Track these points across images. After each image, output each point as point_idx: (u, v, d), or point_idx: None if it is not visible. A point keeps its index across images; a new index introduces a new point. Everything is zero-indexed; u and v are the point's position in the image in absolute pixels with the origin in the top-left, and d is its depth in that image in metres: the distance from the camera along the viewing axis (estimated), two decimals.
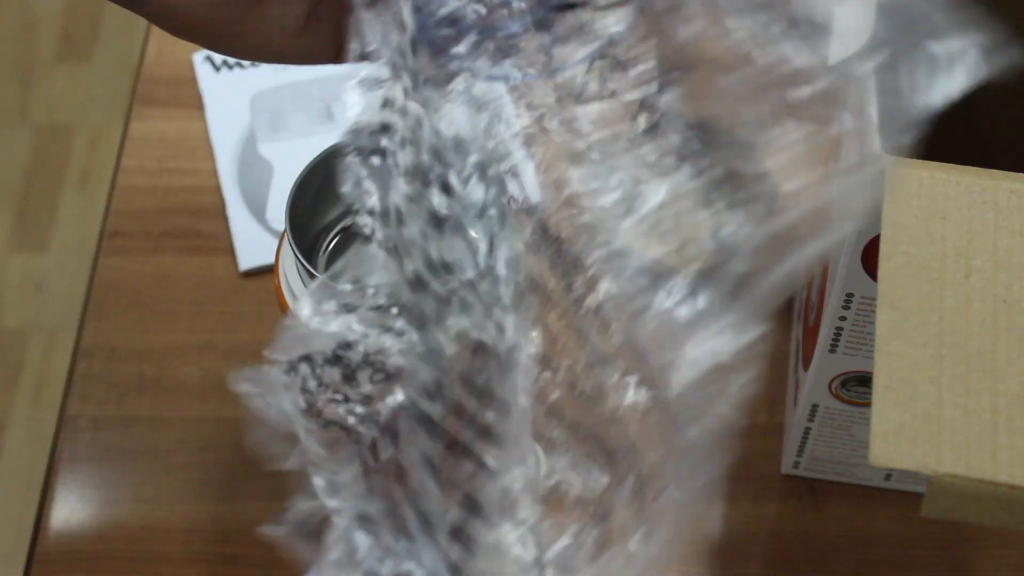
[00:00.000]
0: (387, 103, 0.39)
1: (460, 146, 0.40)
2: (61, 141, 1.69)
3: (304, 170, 0.54)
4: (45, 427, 1.42)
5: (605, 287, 0.41)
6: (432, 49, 0.40)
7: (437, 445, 0.39)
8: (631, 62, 0.41)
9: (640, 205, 0.41)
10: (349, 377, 0.40)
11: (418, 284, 0.39)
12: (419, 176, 0.39)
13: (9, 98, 1.73)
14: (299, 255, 0.51)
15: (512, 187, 0.42)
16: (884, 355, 0.41)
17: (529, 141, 0.45)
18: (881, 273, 0.43)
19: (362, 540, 0.40)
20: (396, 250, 0.39)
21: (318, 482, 0.40)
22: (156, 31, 0.83)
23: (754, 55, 0.40)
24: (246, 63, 0.80)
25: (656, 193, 0.41)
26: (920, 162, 0.46)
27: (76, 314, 0.73)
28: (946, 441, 0.40)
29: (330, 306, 0.40)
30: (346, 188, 0.40)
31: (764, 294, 0.39)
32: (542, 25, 0.40)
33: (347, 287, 0.40)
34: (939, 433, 0.40)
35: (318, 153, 0.54)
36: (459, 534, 0.40)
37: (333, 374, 0.40)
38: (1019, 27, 0.45)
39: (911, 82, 0.40)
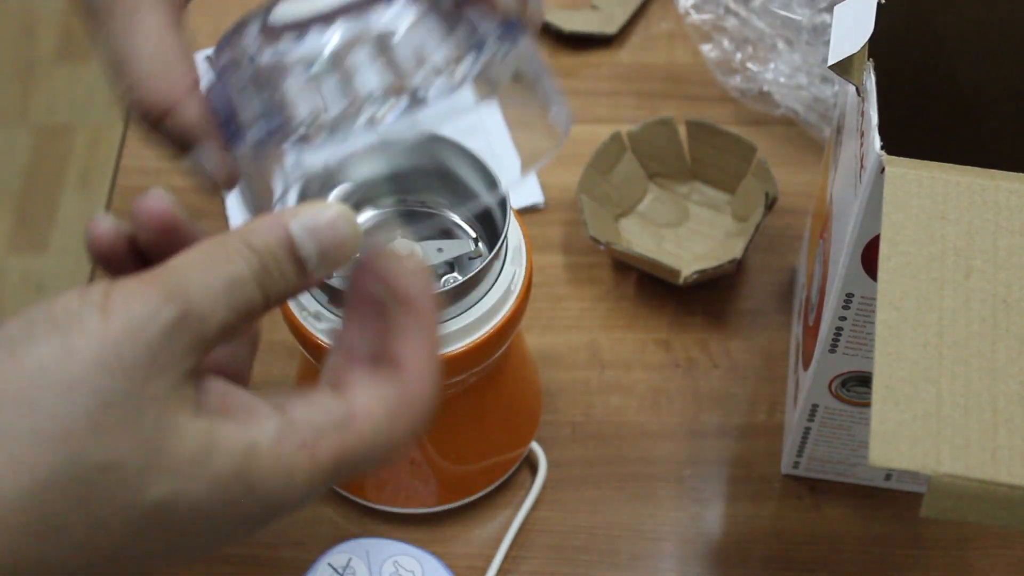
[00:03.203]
0: None
1: None
2: (61, 141, 1.69)
3: None
4: None
5: None
6: None
7: None
8: None
9: None
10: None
11: None
12: None
13: (9, 98, 1.73)
14: None
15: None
16: (884, 355, 0.41)
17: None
18: (881, 273, 0.43)
19: None
20: None
21: None
22: None
23: None
24: None
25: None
26: (920, 162, 0.46)
27: None
28: (946, 441, 0.40)
29: None
30: None
31: None
32: None
33: None
34: (939, 433, 0.40)
35: None
36: None
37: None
38: None
39: None
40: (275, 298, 0.37)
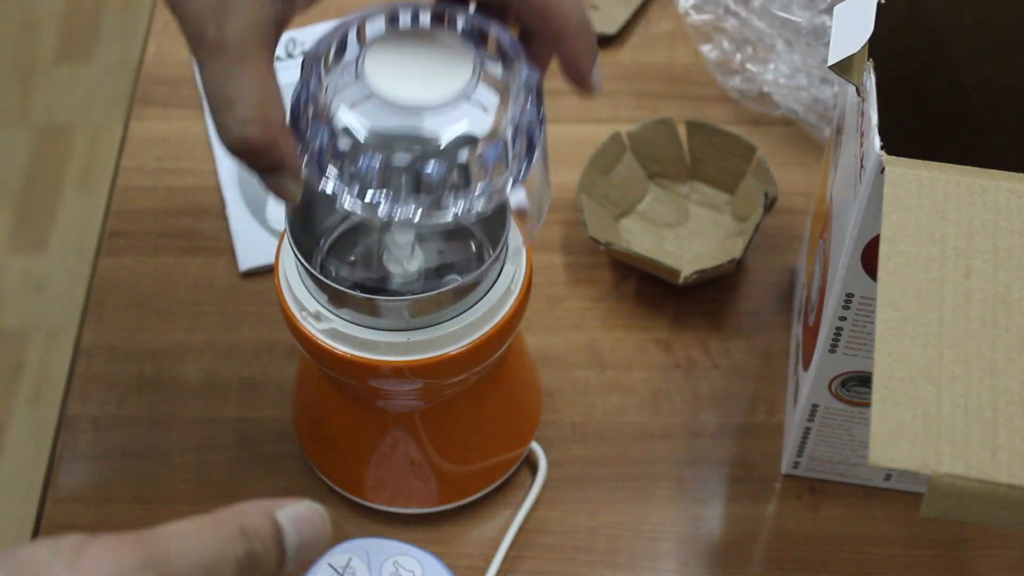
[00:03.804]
0: None
1: None
2: (61, 141, 1.69)
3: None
4: (45, 427, 1.42)
5: None
6: None
7: None
8: None
9: None
10: None
11: None
12: None
13: (9, 98, 1.73)
14: (299, 255, 0.51)
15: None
16: (884, 355, 0.41)
17: None
18: (881, 273, 0.43)
19: None
20: None
21: None
22: (156, 31, 0.83)
23: None
24: None
25: None
26: (920, 162, 0.46)
27: (76, 314, 0.73)
28: (946, 441, 0.40)
29: None
30: None
31: None
32: None
33: None
34: (939, 433, 0.40)
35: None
36: None
37: None
38: None
39: None
40: None
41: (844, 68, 0.51)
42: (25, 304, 1.55)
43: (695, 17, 0.81)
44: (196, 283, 0.72)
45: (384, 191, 0.46)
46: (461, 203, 0.47)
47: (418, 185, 0.46)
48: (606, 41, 0.82)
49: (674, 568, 0.62)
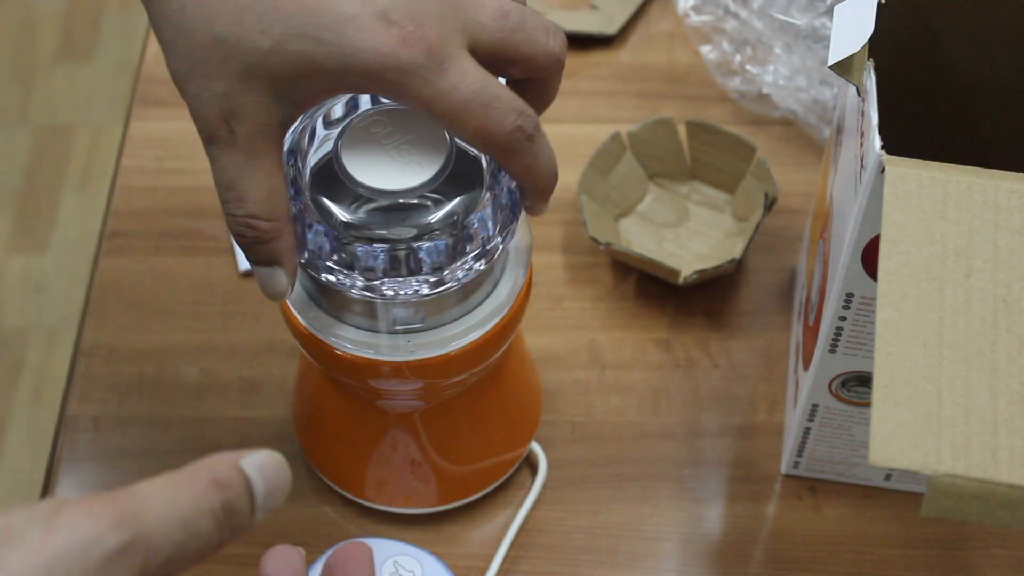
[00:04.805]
0: None
1: None
2: (61, 141, 1.69)
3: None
4: (45, 427, 1.42)
5: None
6: None
7: None
8: None
9: None
10: None
11: None
12: None
13: (9, 98, 1.73)
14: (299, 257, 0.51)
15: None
16: (884, 355, 0.41)
17: None
18: (881, 273, 0.43)
19: None
20: None
21: None
22: None
23: None
24: None
25: None
26: (920, 162, 0.46)
27: (76, 314, 0.73)
28: (946, 441, 0.40)
29: None
30: None
31: None
32: None
33: None
34: (939, 433, 0.40)
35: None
36: None
37: None
38: None
39: None
40: (228, 536, 0.37)
41: (844, 68, 0.51)
42: (25, 304, 1.55)
43: (695, 18, 0.81)
44: (196, 283, 0.72)
45: (346, 270, 0.49)
46: (420, 286, 0.49)
47: (374, 267, 0.49)
48: (606, 41, 0.82)
49: (674, 568, 0.62)
